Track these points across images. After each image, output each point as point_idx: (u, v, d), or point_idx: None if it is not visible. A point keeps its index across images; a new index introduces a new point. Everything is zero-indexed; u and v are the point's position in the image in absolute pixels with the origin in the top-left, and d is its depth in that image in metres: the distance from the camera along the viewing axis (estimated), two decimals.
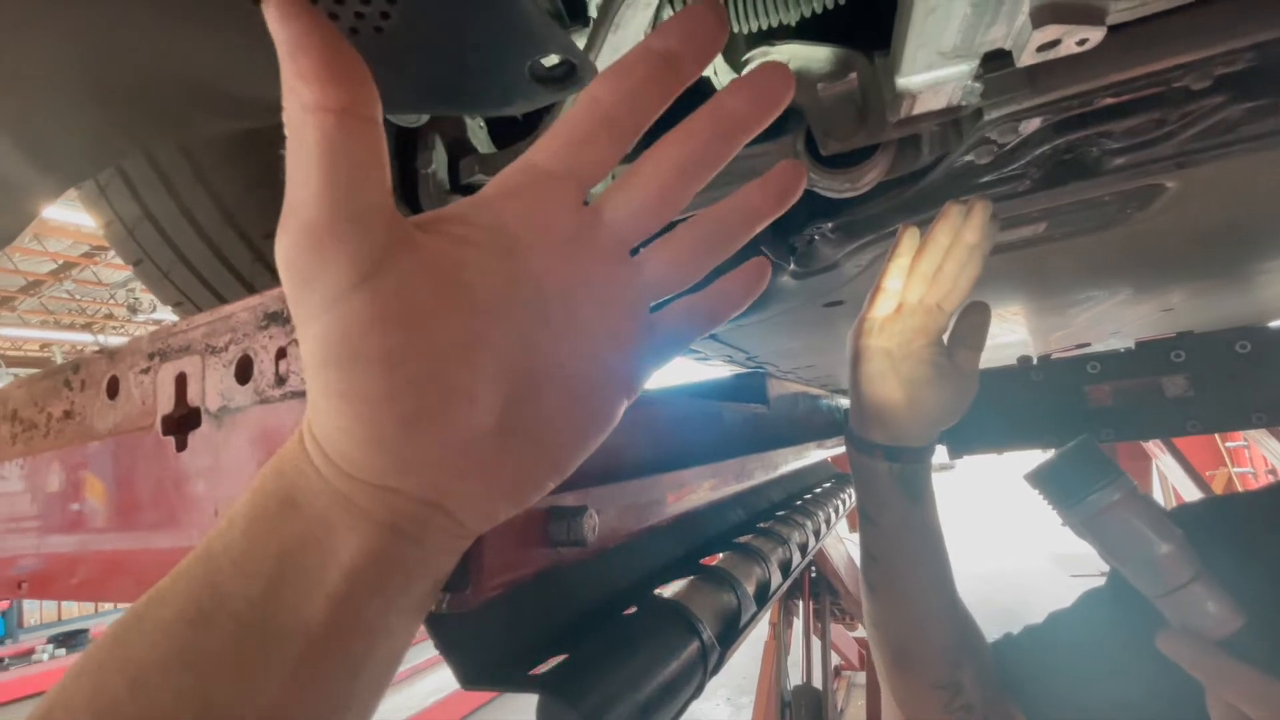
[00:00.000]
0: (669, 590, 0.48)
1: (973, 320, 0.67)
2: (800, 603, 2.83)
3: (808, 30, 0.69)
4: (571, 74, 0.43)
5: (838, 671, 4.12)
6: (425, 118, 0.74)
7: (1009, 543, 9.27)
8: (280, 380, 0.39)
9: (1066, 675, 0.66)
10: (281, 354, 0.39)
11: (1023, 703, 0.66)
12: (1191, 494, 4.11)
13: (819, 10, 0.65)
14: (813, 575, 2.77)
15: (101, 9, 0.35)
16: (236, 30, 0.36)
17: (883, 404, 0.65)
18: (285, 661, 0.23)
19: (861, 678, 3.30)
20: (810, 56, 0.69)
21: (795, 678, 2.80)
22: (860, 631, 3.33)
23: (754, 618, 0.54)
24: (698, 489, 0.57)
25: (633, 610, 0.43)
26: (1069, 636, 0.69)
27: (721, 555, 0.60)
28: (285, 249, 0.22)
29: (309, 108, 0.20)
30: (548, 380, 0.26)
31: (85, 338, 12.40)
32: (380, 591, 0.25)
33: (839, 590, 2.81)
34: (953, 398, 0.64)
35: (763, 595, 0.58)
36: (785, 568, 0.67)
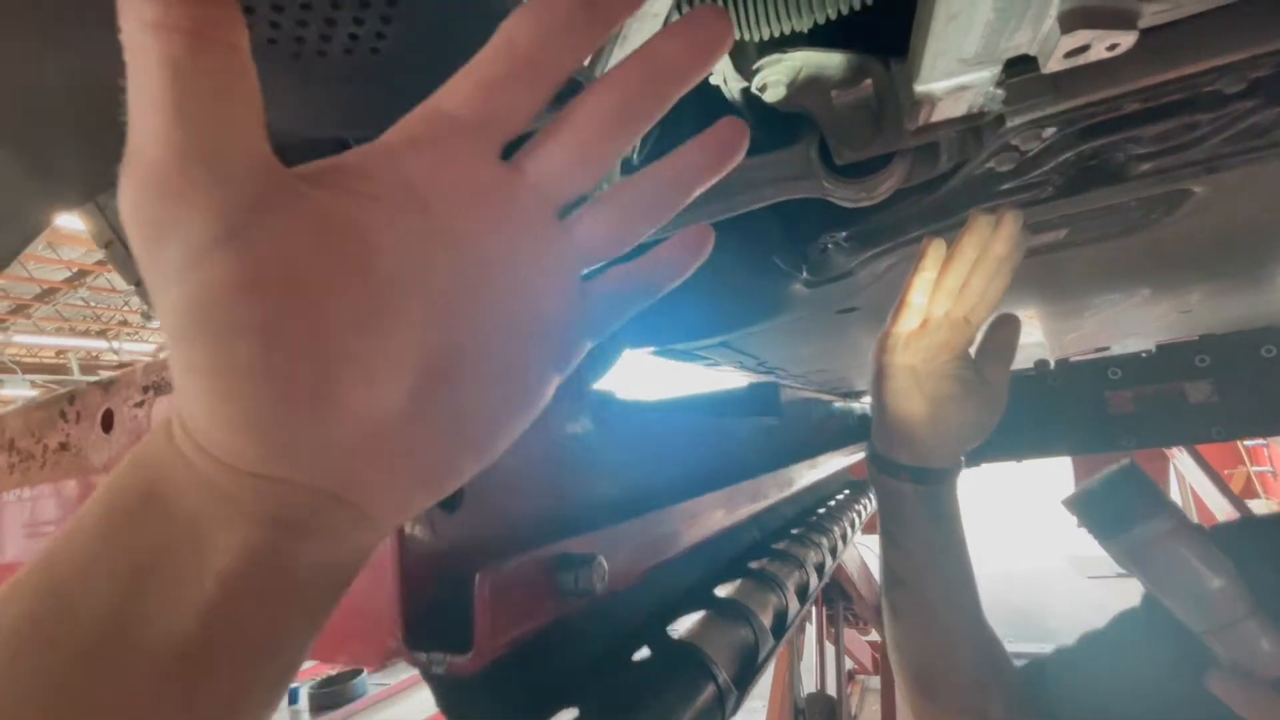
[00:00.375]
0: (682, 627, 0.46)
1: (1002, 334, 0.65)
2: (813, 608, 2.80)
3: (821, 37, 0.66)
4: (575, 90, 0.41)
5: (851, 676, 4.09)
6: None
7: (1024, 543, 9.18)
8: None
9: (1100, 698, 0.62)
10: None
11: None
12: (1209, 492, 4.05)
13: (833, 16, 0.63)
14: (826, 581, 2.74)
15: (98, 35, 0.34)
16: None
17: (908, 423, 0.63)
18: (146, 688, 0.19)
19: (876, 682, 3.27)
20: (824, 63, 0.66)
21: (810, 683, 2.77)
22: (874, 635, 3.30)
23: (772, 652, 0.52)
24: (710, 517, 0.55)
25: (644, 654, 0.41)
26: (1103, 658, 0.66)
27: (736, 584, 0.58)
28: (129, 196, 0.18)
29: (150, 25, 0.17)
30: (466, 356, 0.23)
31: (100, 344, 12.52)
32: (264, 601, 0.21)
33: (852, 595, 2.78)
34: (981, 415, 0.63)
35: (780, 626, 0.56)
36: (802, 593, 0.65)
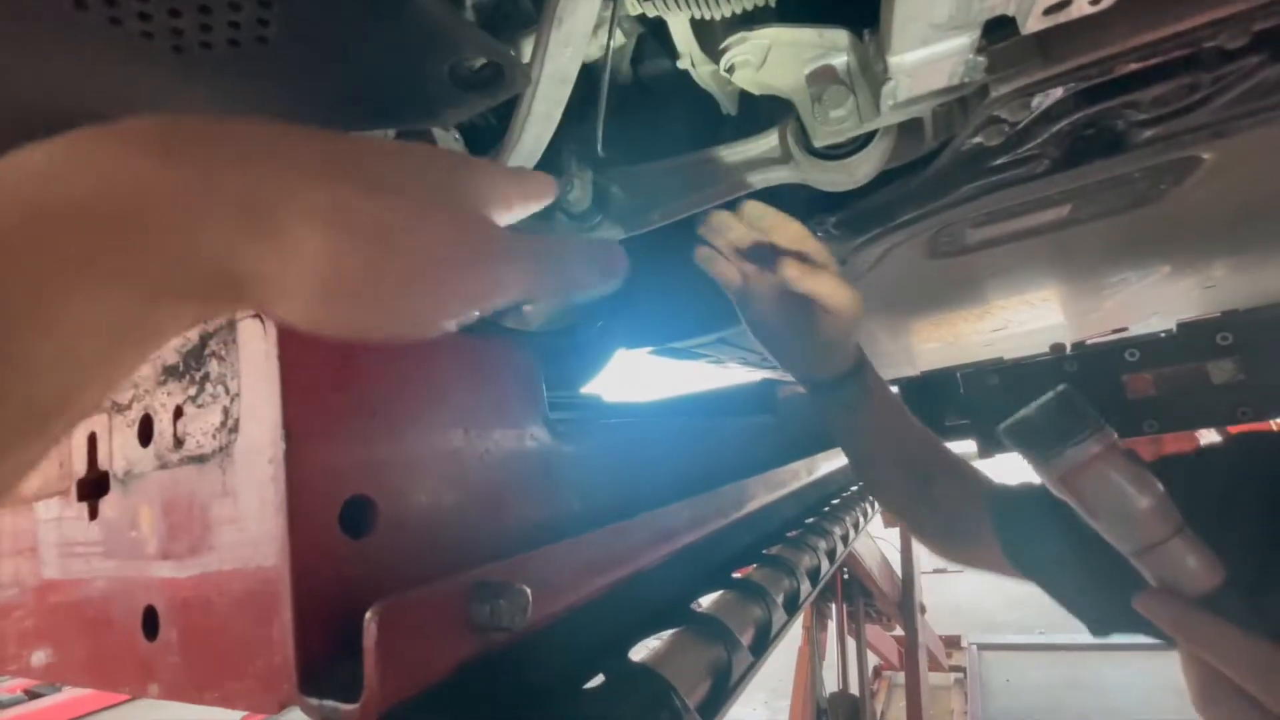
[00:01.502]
0: (648, 648, 0.43)
1: (766, 224, 0.67)
2: (833, 606, 2.74)
3: (790, 10, 0.63)
4: (499, 77, 0.38)
5: (878, 672, 4.01)
6: (391, 133, 0.69)
7: None
8: (178, 443, 0.34)
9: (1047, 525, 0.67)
10: (179, 413, 0.34)
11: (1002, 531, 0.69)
12: None
13: None
14: (845, 577, 2.68)
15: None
16: (122, 60, 0.32)
17: (772, 350, 0.72)
18: None
19: (903, 678, 3.20)
20: (794, 39, 0.62)
21: (833, 682, 2.71)
22: (898, 630, 3.23)
23: (750, 669, 0.48)
24: (684, 526, 0.52)
25: (598, 681, 0.37)
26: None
27: (716, 596, 0.54)
28: None
29: None
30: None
31: None
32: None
33: (873, 591, 2.72)
34: (817, 321, 0.67)
35: (762, 641, 0.52)
36: (792, 602, 0.61)
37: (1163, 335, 1.15)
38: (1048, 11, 0.47)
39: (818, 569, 0.72)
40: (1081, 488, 0.40)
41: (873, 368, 0.74)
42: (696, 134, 0.86)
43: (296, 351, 0.30)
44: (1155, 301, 1.88)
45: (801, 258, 0.67)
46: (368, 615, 0.25)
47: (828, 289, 0.66)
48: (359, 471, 0.31)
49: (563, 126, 0.70)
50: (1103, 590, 0.62)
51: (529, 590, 0.29)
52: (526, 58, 0.47)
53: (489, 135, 0.79)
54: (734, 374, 2.18)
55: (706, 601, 0.54)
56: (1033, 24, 0.48)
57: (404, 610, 0.26)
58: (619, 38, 0.70)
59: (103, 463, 0.39)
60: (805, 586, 0.65)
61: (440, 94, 0.38)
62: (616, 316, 1.17)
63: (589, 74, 0.66)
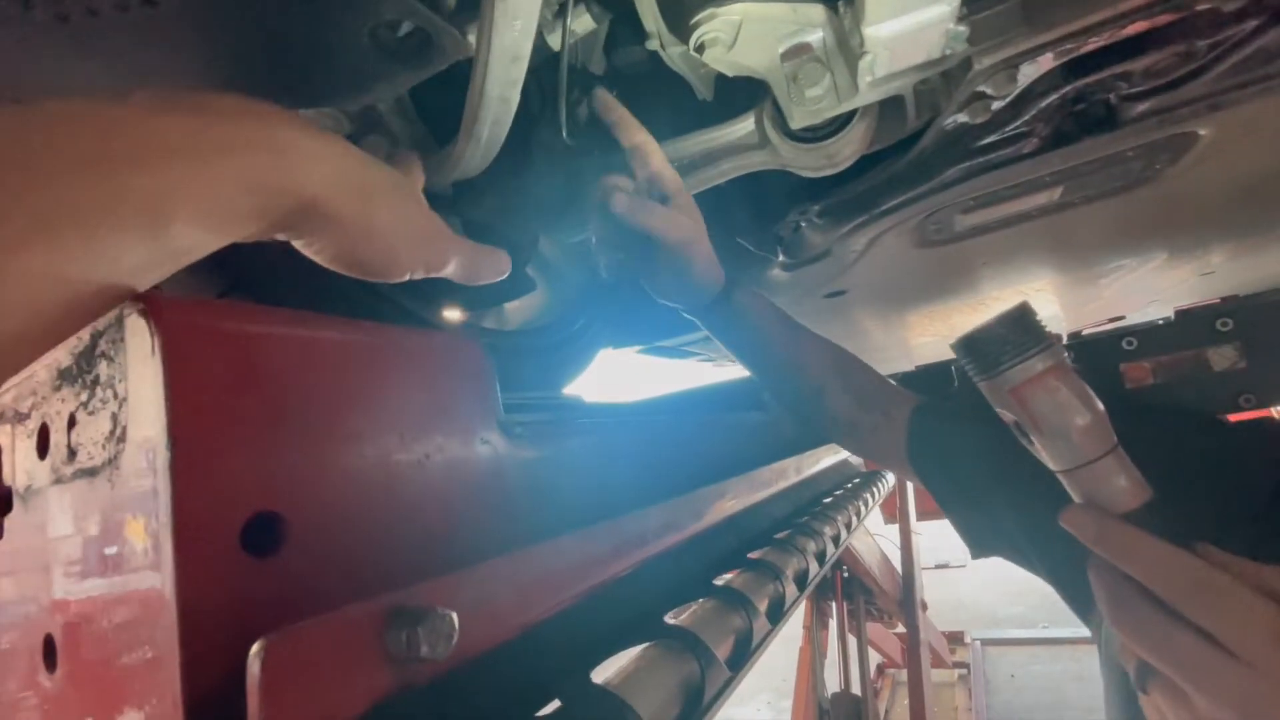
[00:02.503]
0: (613, 669, 0.40)
1: (614, 115, 0.66)
2: (834, 604, 2.71)
3: None
4: (428, 45, 0.34)
5: (881, 670, 3.98)
6: (347, 124, 0.66)
7: None
8: (71, 454, 0.31)
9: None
10: (72, 421, 0.31)
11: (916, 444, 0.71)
12: None
13: None
14: (845, 576, 2.65)
15: None
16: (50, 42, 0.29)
17: (644, 282, 0.73)
18: None
19: (905, 675, 3.17)
20: (765, 15, 0.59)
21: (835, 682, 2.68)
22: (900, 628, 3.19)
23: (728, 685, 0.45)
24: (654, 533, 0.49)
25: (553, 708, 0.34)
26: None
27: (692, 606, 0.51)
28: None
29: None
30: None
31: None
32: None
33: (874, 589, 2.69)
34: (658, 252, 0.68)
35: (742, 653, 0.49)
36: (776, 610, 0.58)
37: (1161, 322, 1.12)
38: None
39: (805, 572, 0.69)
40: (1030, 400, 0.40)
41: (746, 287, 0.76)
42: (676, 122, 0.82)
43: (187, 349, 0.26)
44: (1152, 289, 1.85)
45: (650, 179, 0.67)
46: (253, 649, 0.22)
47: (658, 223, 0.65)
48: (265, 483, 0.28)
49: (535, 115, 0.67)
50: (990, 514, 0.68)
51: (454, 615, 0.26)
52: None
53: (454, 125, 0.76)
54: (727, 371, 2.15)
55: (683, 613, 0.51)
56: None
57: (300, 641, 0.23)
58: (588, 22, 0.67)
59: (6, 477, 0.36)
60: (791, 591, 0.62)
61: (364, 65, 0.34)
62: (600, 315, 1.14)
63: (553, 64, 0.63)
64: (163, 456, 0.25)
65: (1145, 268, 1.53)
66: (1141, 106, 0.63)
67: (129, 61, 0.32)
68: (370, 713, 0.25)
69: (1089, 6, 0.50)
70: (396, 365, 0.36)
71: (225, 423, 0.27)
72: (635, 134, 0.66)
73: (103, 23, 0.30)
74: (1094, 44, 0.53)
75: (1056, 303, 1.92)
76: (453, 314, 0.89)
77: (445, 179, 0.57)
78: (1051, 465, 0.42)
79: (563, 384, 1.08)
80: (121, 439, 0.27)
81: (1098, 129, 0.66)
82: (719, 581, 0.57)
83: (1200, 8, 0.51)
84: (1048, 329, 0.40)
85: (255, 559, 0.27)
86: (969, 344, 0.41)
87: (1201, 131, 0.70)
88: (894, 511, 3.03)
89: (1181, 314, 1.30)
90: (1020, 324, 0.40)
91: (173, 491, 0.25)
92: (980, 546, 0.71)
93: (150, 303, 0.27)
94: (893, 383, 0.81)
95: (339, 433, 0.32)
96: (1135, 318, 2.14)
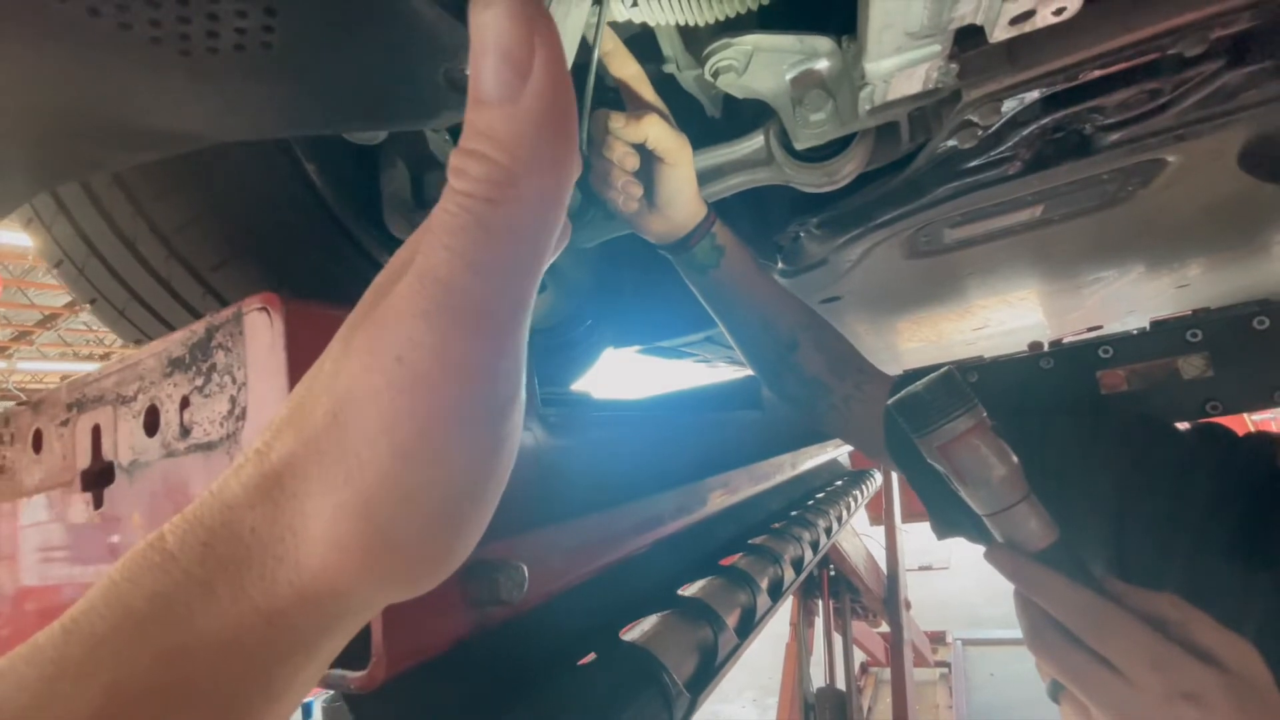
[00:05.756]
0: (637, 630, 0.45)
1: (606, 45, 0.66)
2: (820, 602, 2.77)
3: (772, 18, 0.65)
4: None
5: (864, 669, 4.05)
6: (382, 135, 0.71)
7: None
8: (185, 431, 0.36)
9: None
10: (185, 403, 0.36)
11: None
12: None
13: None
14: (831, 574, 2.71)
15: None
16: (133, 64, 0.33)
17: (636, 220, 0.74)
18: None
19: (889, 674, 3.24)
20: (775, 45, 0.65)
21: (821, 679, 2.74)
22: (885, 627, 3.26)
23: (736, 649, 0.50)
24: (668, 516, 0.54)
25: (590, 658, 0.39)
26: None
27: (702, 582, 0.56)
28: None
29: None
30: None
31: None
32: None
33: (859, 588, 2.75)
34: (653, 173, 0.70)
35: (748, 623, 0.54)
36: (776, 588, 0.63)
37: (1136, 333, 1.19)
38: (1014, 21, 0.49)
39: (801, 558, 0.74)
40: (954, 455, 0.46)
41: (729, 230, 0.78)
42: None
43: (302, 338, 0.31)
44: (1131, 301, 1.93)
45: (636, 108, 0.69)
46: None
47: (655, 133, 0.68)
48: None
49: None
50: (958, 500, 0.71)
51: (525, 567, 0.31)
52: None
53: None
54: (722, 373, 2.20)
55: (694, 587, 0.56)
56: (999, 33, 0.51)
57: None
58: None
59: (107, 454, 0.40)
60: (789, 574, 0.67)
61: (435, 98, 0.39)
62: (605, 316, 1.19)
63: (579, 77, 0.68)
64: None
65: (1124, 280, 1.60)
66: (1114, 136, 0.69)
67: (236, 92, 0.37)
68: (457, 645, 0.30)
69: (1067, 49, 0.56)
70: None
71: None
72: (627, 65, 0.69)
73: (220, 60, 0.34)
74: (1071, 81, 0.59)
75: (1039, 312, 1.99)
76: None
77: None
78: (976, 510, 0.48)
79: (570, 381, 1.13)
80: (241, 417, 0.32)
81: (1074, 155, 0.72)
82: (724, 563, 0.62)
83: (1168, 52, 0.57)
84: (970, 393, 0.46)
85: None
86: (901, 406, 0.47)
87: (1170, 158, 0.77)
88: (880, 513, 3.10)
89: (1155, 325, 1.37)
90: (946, 389, 0.46)
91: None
92: (946, 526, 0.73)
93: (270, 302, 0.32)
94: (858, 357, 0.82)
95: None
96: (1115, 327, 2.22)
